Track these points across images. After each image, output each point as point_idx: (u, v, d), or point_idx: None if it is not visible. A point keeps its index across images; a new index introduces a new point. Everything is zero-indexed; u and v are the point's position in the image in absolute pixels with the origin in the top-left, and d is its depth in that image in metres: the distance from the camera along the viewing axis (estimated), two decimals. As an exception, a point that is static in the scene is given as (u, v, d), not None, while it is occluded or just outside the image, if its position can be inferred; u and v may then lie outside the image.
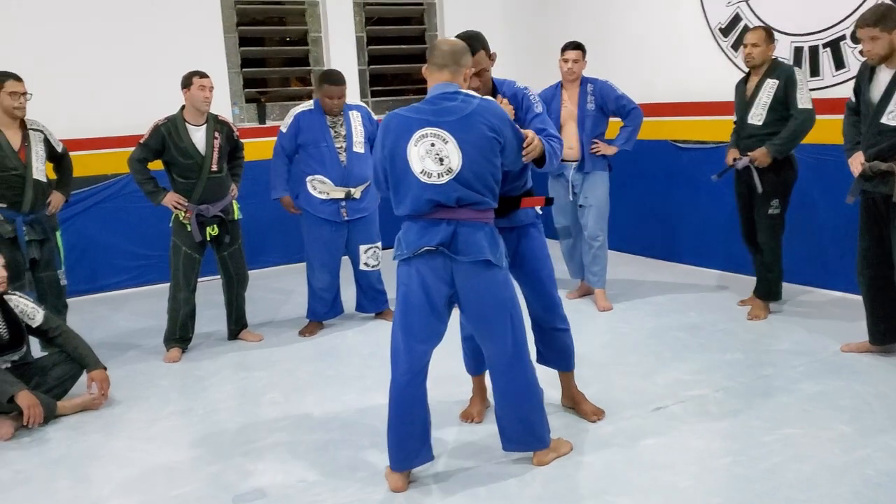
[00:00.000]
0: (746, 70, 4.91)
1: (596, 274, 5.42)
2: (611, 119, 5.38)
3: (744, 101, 4.83)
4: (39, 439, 3.79)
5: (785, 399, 3.79)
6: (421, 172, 2.93)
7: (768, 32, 4.79)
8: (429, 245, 2.96)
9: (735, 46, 5.78)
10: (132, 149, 4.75)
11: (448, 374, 4.08)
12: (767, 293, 4.97)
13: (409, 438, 3.12)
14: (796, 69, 4.76)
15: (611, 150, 5.27)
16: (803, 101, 4.59)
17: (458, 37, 3.22)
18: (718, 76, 5.87)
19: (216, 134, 4.79)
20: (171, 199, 4.73)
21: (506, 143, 2.98)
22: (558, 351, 3.63)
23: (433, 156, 2.91)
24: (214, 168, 4.78)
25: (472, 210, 2.97)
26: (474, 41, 3.22)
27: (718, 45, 5.99)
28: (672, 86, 6.34)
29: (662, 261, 6.66)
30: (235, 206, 5.00)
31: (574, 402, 3.73)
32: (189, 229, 4.76)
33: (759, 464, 3.19)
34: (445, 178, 2.92)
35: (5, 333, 3.96)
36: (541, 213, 3.54)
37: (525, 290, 3.49)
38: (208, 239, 4.86)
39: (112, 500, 3.19)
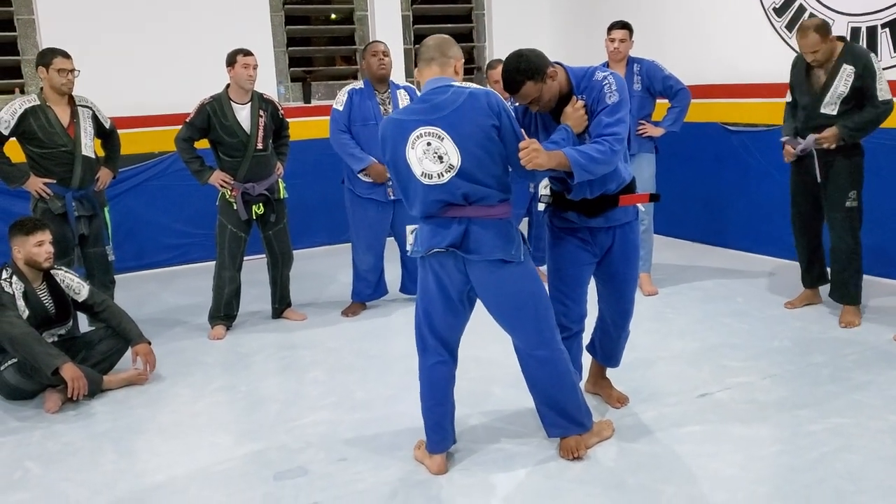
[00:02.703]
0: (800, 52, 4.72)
1: (642, 258, 5.26)
2: (658, 101, 5.28)
3: (812, 88, 4.49)
4: (86, 413, 3.85)
5: (834, 388, 3.70)
6: (422, 175, 2.88)
7: (821, 30, 4.33)
8: (439, 247, 2.92)
9: (789, 27, 5.63)
10: (179, 127, 4.79)
11: (488, 358, 4.08)
12: (847, 296, 4.58)
13: (443, 420, 3.12)
14: (872, 56, 4.40)
15: (657, 132, 5.18)
16: (882, 91, 4.30)
17: (503, 66, 2.98)
18: (771, 57, 5.72)
19: (261, 112, 4.80)
20: (217, 177, 4.76)
21: (503, 132, 2.86)
22: (611, 351, 3.59)
23: (431, 155, 2.84)
24: (259, 146, 4.79)
25: (483, 206, 2.90)
26: (515, 74, 2.94)
27: (772, 25, 5.84)
28: (723, 67, 6.20)
29: (710, 245, 6.53)
30: (281, 184, 5.02)
31: (600, 387, 3.68)
32: (235, 208, 4.79)
33: (807, 453, 3.12)
34: (447, 177, 2.85)
35: (52, 308, 4.03)
36: (643, 209, 3.38)
37: (603, 288, 3.42)
38: (254, 217, 4.88)
39: (156, 473, 3.24)
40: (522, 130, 2.98)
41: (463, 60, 3.04)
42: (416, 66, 3.03)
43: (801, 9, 5.52)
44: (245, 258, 4.99)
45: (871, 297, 4.92)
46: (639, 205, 3.32)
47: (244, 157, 4.76)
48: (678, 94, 5.15)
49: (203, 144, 4.83)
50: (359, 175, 4.93)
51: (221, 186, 4.77)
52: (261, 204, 4.88)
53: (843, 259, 4.57)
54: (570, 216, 3.22)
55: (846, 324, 4.52)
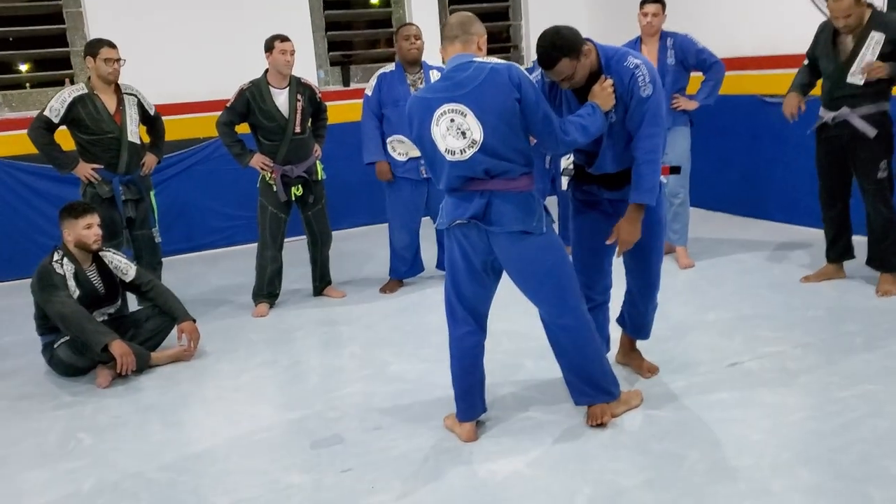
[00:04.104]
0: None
1: (677, 231, 5.36)
2: (693, 74, 5.27)
3: (839, 57, 4.43)
4: (134, 388, 4.03)
5: (866, 356, 3.70)
6: (445, 151, 2.95)
7: None
8: (461, 218, 3.00)
9: (826, -5, 5.55)
10: (220, 112, 4.93)
11: (519, 332, 4.16)
12: (886, 263, 4.54)
13: (472, 389, 3.21)
14: None
15: (692, 105, 5.17)
16: None
17: (539, 41, 3.00)
18: (806, 28, 5.59)
19: (299, 96, 4.92)
20: (257, 160, 4.89)
21: (525, 103, 2.90)
22: (640, 323, 3.63)
23: (454, 131, 2.91)
24: (297, 129, 4.91)
25: (504, 180, 2.96)
26: (551, 50, 2.96)
27: (808, -6, 5.77)
28: (758, 39, 6.14)
29: (748, 217, 6.50)
30: (319, 166, 5.14)
31: (630, 358, 3.73)
32: (275, 189, 4.93)
33: (834, 419, 3.15)
34: (470, 152, 2.91)
35: (101, 288, 4.22)
36: (666, 182, 3.41)
37: (629, 260, 3.45)
38: (293, 199, 5.02)
39: (199, 443, 3.40)
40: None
41: (486, 37, 3.09)
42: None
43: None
44: (287, 239, 5.13)
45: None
46: (662, 178, 3.34)
47: (283, 140, 4.89)
48: (712, 66, 5.14)
49: (244, 129, 4.97)
50: (391, 155, 5.05)
51: (262, 169, 4.91)
52: (300, 185, 5.00)
53: (880, 229, 4.54)
54: (591, 189, 3.27)
55: (884, 293, 4.48)
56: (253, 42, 5.35)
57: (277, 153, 4.90)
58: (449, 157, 2.96)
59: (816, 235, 5.69)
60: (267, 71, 4.91)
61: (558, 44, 2.96)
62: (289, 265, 5.27)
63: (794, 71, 5.86)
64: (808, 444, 3.01)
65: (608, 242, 3.17)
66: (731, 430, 3.13)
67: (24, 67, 7.10)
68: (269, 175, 4.91)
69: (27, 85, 6.99)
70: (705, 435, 3.11)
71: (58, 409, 3.83)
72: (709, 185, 6.60)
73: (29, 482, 3.15)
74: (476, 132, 2.90)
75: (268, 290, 5.09)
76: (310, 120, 5.05)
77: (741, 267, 5.24)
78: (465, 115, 2.90)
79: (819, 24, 4.68)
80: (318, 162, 5.12)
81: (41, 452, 3.40)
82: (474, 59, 2.98)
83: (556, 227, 3.18)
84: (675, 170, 3.44)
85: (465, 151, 2.93)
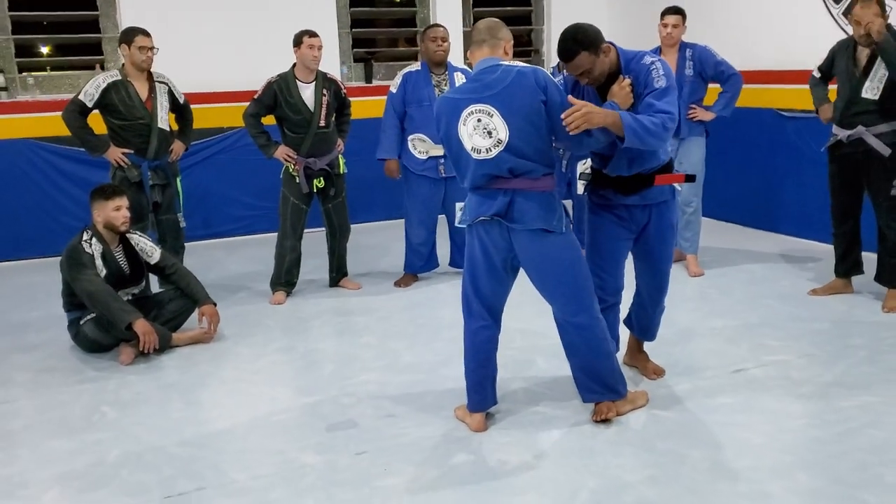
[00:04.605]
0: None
1: (688, 240, 5.45)
2: (711, 85, 5.37)
3: (854, 72, 4.53)
4: (156, 366, 4.16)
5: (868, 368, 3.79)
6: (472, 149, 3.06)
7: (881, 3, 4.39)
8: (484, 215, 3.11)
9: (846, 14, 5.64)
10: (247, 103, 5.05)
11: (533, 330, 4.27)
12: (892, 279, 4.62)
13: (484, 381, 3.32)
14: None
15: (708, 116, 5.27)
16: None
17: (561, 35, 3.13)
18: (827, 44, 5.69)
19: (324, 91, 5.04)
20: (282, 151, 5.01)
21: (550, 107, 3.01)
22: (647, 325, 3.74)
23: (481, 131, 3.02)
24: (322, 123, 5.03)
25: (527, 179, 3.07)
26: (571, 44, 3.09)
27: (829, 11, 5.86)
28: (777, 52, 6.23)
29: (760, 230, 6.59)
30: (341, 160, 5.25)
31: (637, 360, 3.84)
32: (297, 181, 5.05)
33: (834, 427, 3.24)
34: (495, 151, 3.02)
35: (127, 268, 4.35)
36: (679, 190, 3.53)
37: (639, 264, 3.57)
38: (315, 191, 5.13)
39: (219, 421, 3.52)
40: (570, 97, 3.08)
41: (512, 42, 3.21)
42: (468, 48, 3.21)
43: (859, -4, 5.53)
44: (306, 231, 5.25)
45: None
46: (677, 185, 3.45)
47: (307, 133, 5.01)
48: (730, 79, 5.23)
49: (269, 121, 5.09)
50: (411, 152, 5.18)
51: (286, 160, 5.03)
52: (322, 178, 5.12)
53: (892, 245, 4.61)
54: (607, 193, 3.38)
55: (890, 308, 4.56)
56: (281, 36, 5.47)
57: (301, 146, 5.02)
58: (475, 156, 3.07)
59: (826, 250, 5.76)
60: (294, 65, 5.03)
61: (579, 38, 3.09)
62: (307, 256, 5.39)
63: (812, 87, 5.93)
64: (808, 449, 3.10)
65: (570, 112, 3.02)
66: (733, 433, 3.23)
67: (49, 51, 7.26)
68: (293, 167, 5.03)
69: (50, 68, 7.13)
70: (708, 436, 3.21)
71: (82, 384, 3.96)
72: (722, 196, 6.69)
73: (54, 451, 3.28)
74: (502, 132, 3.01)
75: (286, 278, 5.21)
76: (334, 114, 5.17)
77: (750, 277, 5.33)
78: (491, 116, 3.01)
79: (836, 41, 4.77)
80: (340, 156, 5.24)
81: (66, 423, 3.53)
82: (501, 62, 3.09)
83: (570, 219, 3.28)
84: (689, 178, 3.53)
85: (490, 150, 3.04)
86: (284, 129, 5.07)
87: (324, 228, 5.36)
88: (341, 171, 5.25)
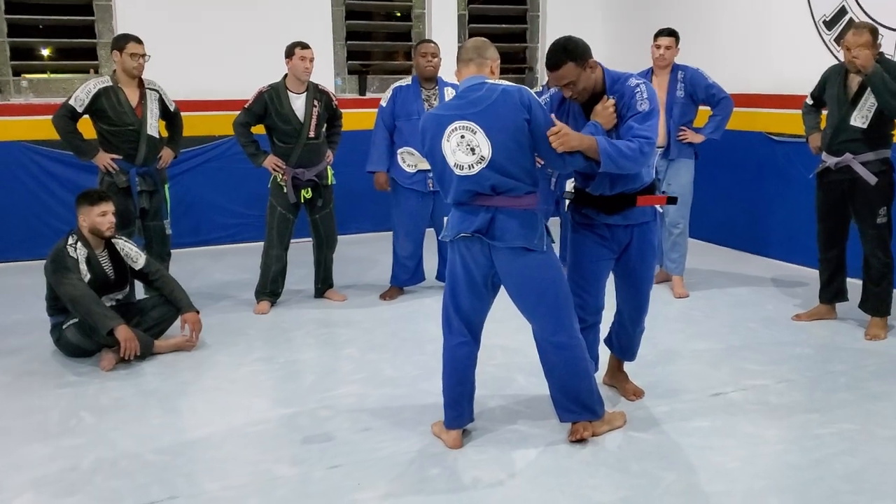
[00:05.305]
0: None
1: (674, 261, 5.47)
2: (701, 107, 5.40)
3: (844, 99, 4.53)
4: (136, 372, 4.15)
5: (847, 396, 3.80)
6: (454, 166, 3.08)
7: (873, 32, 4.41)
8: (466, 231, 3.12)
9: (838, 40, 5.68)
10: (238, 112, 5.06)
11: (514, 347, 4.27)
12: (879, 308, 4.63)
13: (462, 398, 3.32)
14: None
15: (698, 139, 5.30)
16: None
17: (551, 45, 3.17)
18: (819, 69, 5.72)
19: (315, 102, 5.06)
20: (270, 161, 5.02)
21: (534, 126, 3.04)
22: (627, 344, 3.75)
23: (464, 147, 3.04)
24: (311, 134, 5.05)
25: (509, 197, 3.09)
26: (560, 53, 3.13)
27: (821, 38, 5.90)
28: (770, 77, 6.27)
29: (746, 253, 6.61)
30: (330, 171, 5.27)
31: (617, 380, 3.84)
32: (285, 191, 5.05)
33: (810, 454, 3.25)
34: (478, 168, 3.04)
35: (111, 274, 4.35)
36: (662, 211, 3.54)
37: (620, 283, 3.58)
38: (302, 201, 5.14)
39: (196, 429, 3.51)
40: (553, 116, 3.12)
41: (499, 61, 3.23)
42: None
43: (852, 23, 5.56)
44: (292, 241, 5.25)
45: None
46: (658, 207, 3.46)
47: (297, 143, 5.02)
48: (720, 102, 5.27)
49: (259, 130, 5.10)
50: (400, 166, 5.20)
51: (274, 170, 5.04)
52: (310, 189, 5.13)
53: (876, 274, 4.62)
54: (589, 212, 3.39)
55: (872, 336, 4.58)
56: (275, 46, 5.47)
57: (290, 156, 5.03)
58: (457, 172, 3.09)
59: (812, 275, 5.77)
60: (286, 76, 5.05)
61: (569, 48, 3.14)
62: (292, 266, 5.39)
63: (803, 111, 5.97)
64: (782, 475, 3.10)
65: (549, 133, 3.07)
66: (708, 456, 3.23)
67: (47, 54, 7.27)
68: (281, 176, 5.04)
69: (48, 72, 7.14)
70: (683, 459, 3.22)
71: (61, 388, 3.95)
72: (709, 218, 6.71)
73: (29, 455, 3.27)
74: (485, 149, 3.02)
75: (271, 288, 5.21)
76: (325, 126, 5.18)
77: (735, 300, 5.35)
78: (474, 133, 3.03)
79: (827, 68, 4.81)
80: (328, 167, 5.25)
81: (43, 428, 3.52)
82: (486, 80, 3.12)
83: (556, 247, 3.29)
84: (671, 200, 3.54)
85: (473, 167, 3.05)
86: (274, 139, 5.09)
87: (311, 239, 5.37)
88: (329, 182, 5.26)
